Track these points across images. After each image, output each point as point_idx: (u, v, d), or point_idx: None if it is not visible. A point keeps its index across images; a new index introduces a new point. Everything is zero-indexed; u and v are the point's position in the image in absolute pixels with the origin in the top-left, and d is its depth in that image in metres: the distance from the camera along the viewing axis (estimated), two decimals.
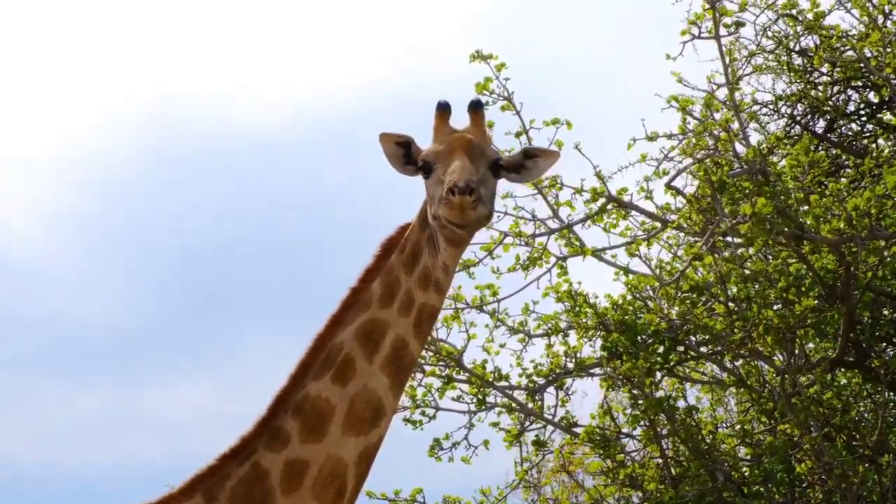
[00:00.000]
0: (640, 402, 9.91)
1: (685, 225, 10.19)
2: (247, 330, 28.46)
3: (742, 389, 10.52)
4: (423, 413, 10.59)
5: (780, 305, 9.67)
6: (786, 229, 9.46)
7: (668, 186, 10.41)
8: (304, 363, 5.21)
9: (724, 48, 10.75)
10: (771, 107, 12.98)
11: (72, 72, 31.75)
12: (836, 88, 12.75)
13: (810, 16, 11.95)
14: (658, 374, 10.28)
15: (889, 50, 11.00)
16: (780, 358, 9.90)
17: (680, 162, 10.70)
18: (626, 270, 10.78)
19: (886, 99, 12.34)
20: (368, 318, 5.22)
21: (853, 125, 12.94)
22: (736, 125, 10.65)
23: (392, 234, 5.41)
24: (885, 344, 10.62)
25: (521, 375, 10.78)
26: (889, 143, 12.34)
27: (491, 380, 10.57)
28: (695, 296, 10.11)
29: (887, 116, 12.65)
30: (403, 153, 5.26)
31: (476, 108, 5.22)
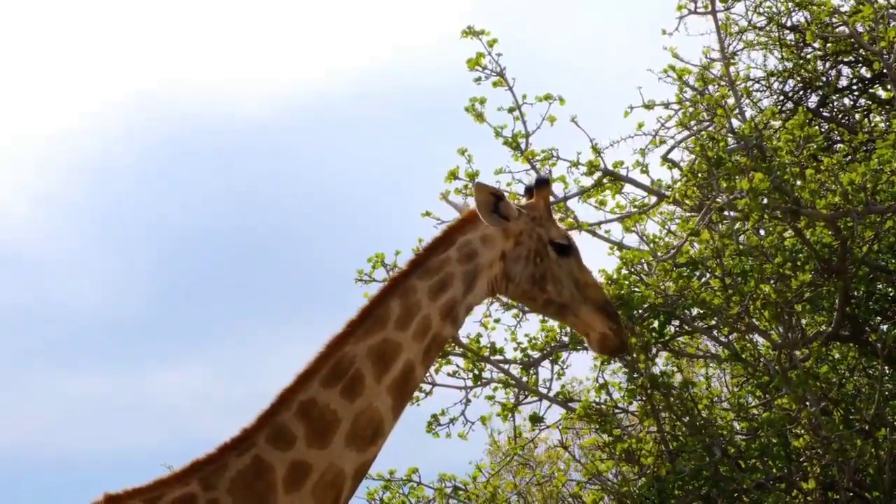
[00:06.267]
0: (636, 376, 9.89)
1: (680, 199, 10.17)
2: (241, 314, 28.50)
3: (737, 364, 10.51)
4: (419, 388, 10.52)
5: (776, 280, 9.67)
6: (782, 204, 9.46)
7: (665, 159, 10.39)
8: (312, 367, 5.33)
9: (719, 23, 10.72)
10: (763, 83, 12.98)
11: (62, 58, 31.63)
12: (827, 63, 12.75)
13: None
14: (653, 349, 10.25)
15: (881, 24, 11.00)
16: (777, 332, 9.90)
17: (675, 135, 10.67)
18: (621, 246, 10.75)
19: (878, 73, 12.34)
20: (383, 339, 5.37)
21: (845, 100, 12.94)
22: (732, 100, 10.63)
23: (420, 253, 5.62)
24: (879, 318, 10.65)
25: (515, 349, 10.75)
26: (882, 118, 12.35)
27: (486, 354, 10.52)
28: (690, 270, 10.08)
29: (880, 91, 12.66)
30: (494, 203, 5.61)
31: (543, 184, 5.92)
